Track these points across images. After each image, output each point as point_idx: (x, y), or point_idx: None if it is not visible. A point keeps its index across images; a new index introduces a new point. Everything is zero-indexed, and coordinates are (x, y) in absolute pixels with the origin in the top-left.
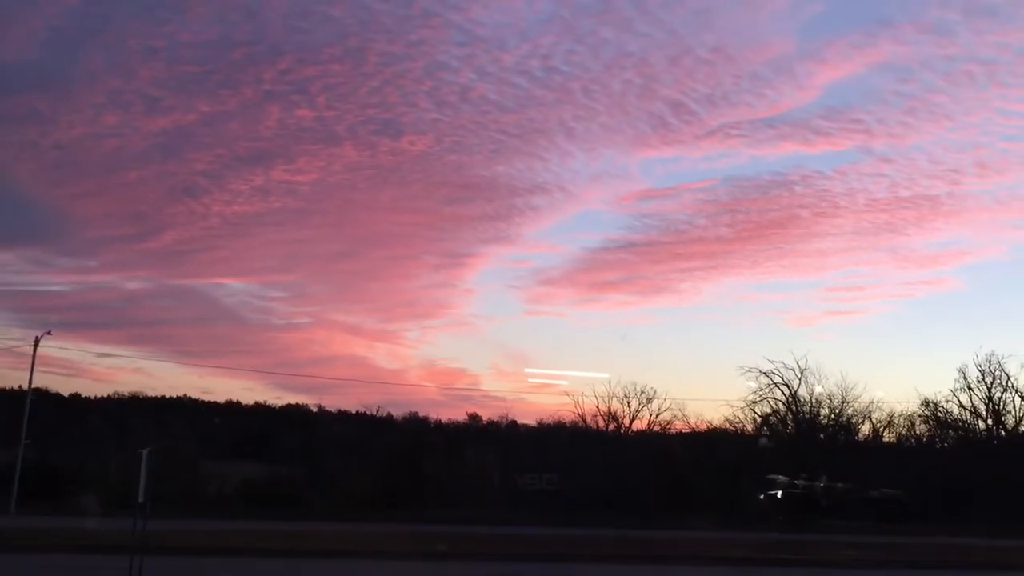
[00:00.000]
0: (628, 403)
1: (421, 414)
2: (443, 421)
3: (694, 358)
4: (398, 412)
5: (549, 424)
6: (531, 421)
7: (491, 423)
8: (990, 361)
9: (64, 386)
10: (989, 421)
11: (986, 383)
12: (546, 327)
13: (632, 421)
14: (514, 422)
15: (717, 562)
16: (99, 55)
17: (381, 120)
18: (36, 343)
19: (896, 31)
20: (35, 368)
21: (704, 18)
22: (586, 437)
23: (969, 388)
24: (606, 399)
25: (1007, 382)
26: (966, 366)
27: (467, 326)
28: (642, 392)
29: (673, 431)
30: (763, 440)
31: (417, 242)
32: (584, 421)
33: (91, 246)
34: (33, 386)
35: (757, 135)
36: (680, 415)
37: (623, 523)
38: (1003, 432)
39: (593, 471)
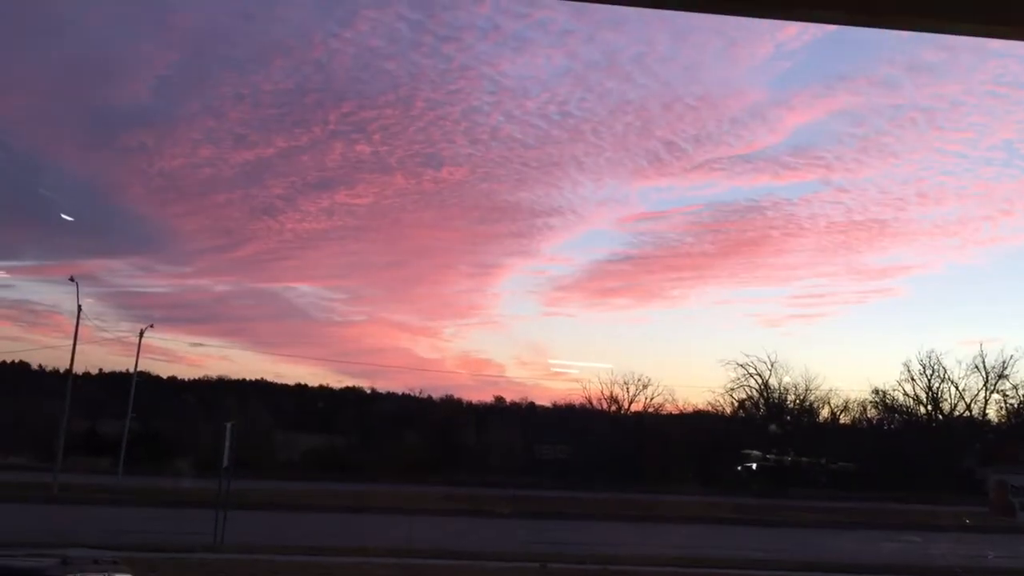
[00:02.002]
0: (627, 388)
1: (456, 396)
2: (474, 402)
3: (682, 352)
4: (437, 394)
5: (562, 405)
6: (547, 403)
7: (514, 404)
8: (930, 357)
9: (163, 370)
10: (929, 407)
11: (926, 375)
12: (560, 325)
13: (630, 403)
14: (533, 404)
15: (712, 522)
16: (197, 100)
17: (425, 154)
18: (141, 335)
19: (851, 84)
20: (140, 355)
21: (692, 72)
22: (592, 416)
23: (912, 379)
24: (609, 385)
25: (944, 374)
26: (910, 361)
27: (494, 324)
28: (639, 380)
29: (664, 412)
30: (773, 427)
31: (454, 254)
32: (591, 403)
33: (188, 255)
34: (138, 370)
35: (735, 168)
36: (670, 399)
37: (623, 488)
38: (940, 416)
39: (598, 444)
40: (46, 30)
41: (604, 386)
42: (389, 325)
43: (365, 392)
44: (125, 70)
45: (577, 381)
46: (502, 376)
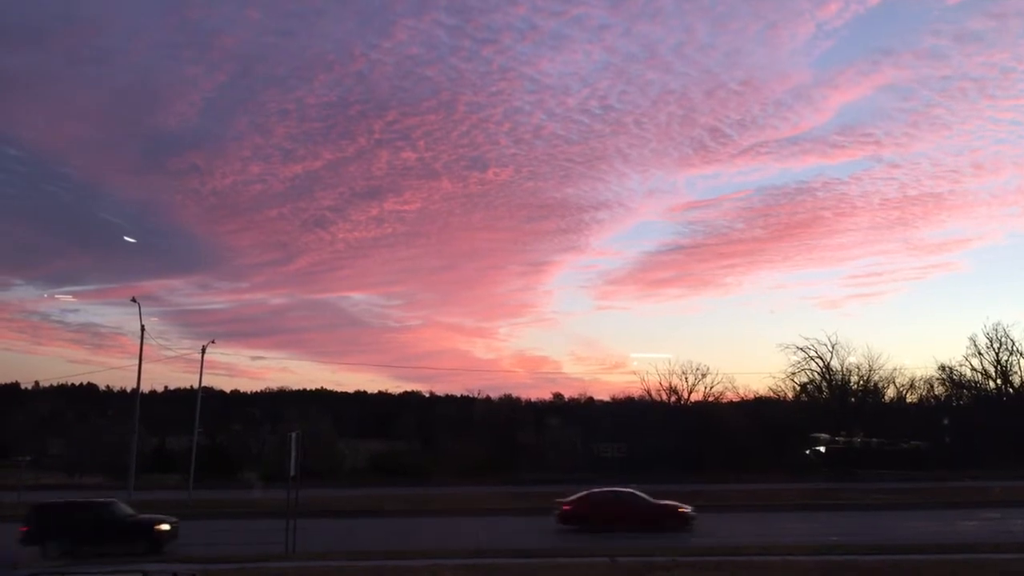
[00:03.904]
0: (686, 378)
1: (514, 395)
2: (532, 400)
3: (739, 339)
4: (495, 394)
5: (621, 399)
6: (606, 397)
7: (572, 400)
8: (996, 329)
9: (226, 384)
10: (998, 381)
11: (994, 348)
12: (613, 319)
13: (690, 393)
14: (591, 398)
15: (782, 508)
16: (244, 119)
17: (470, 157)
18: (203, 351)
19: (896, 58)
20: (203, 371)
21: (733, 57)
22: (652, 408)
23: (979, 353)
24: (667, 376)
25: (1012, 347)
26: (976, 335)
27: (548, 321)
28: (697, 369)
29: (725, 400)
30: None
31: (503, 255)
32: (650, 395)
33: (243, 271)
34: (202, 385)
35: (783, 151)
36: (730, 387)
37: (685, 479)
38: (1011, 390)
39: (659, 436)
40: (97, 61)
41: (662, 377)
42: (444, 328)
43: (424, 396)
44: (174, 94)
45: (635, 373)
46: (559, 373)
